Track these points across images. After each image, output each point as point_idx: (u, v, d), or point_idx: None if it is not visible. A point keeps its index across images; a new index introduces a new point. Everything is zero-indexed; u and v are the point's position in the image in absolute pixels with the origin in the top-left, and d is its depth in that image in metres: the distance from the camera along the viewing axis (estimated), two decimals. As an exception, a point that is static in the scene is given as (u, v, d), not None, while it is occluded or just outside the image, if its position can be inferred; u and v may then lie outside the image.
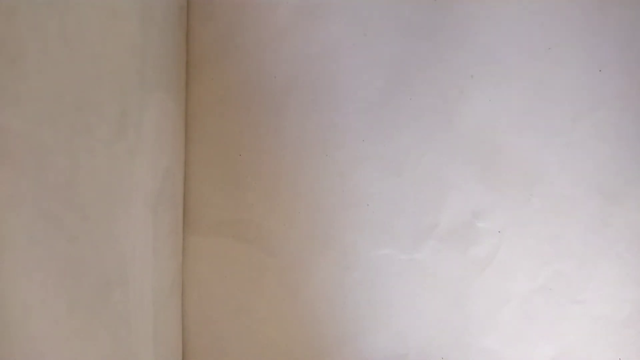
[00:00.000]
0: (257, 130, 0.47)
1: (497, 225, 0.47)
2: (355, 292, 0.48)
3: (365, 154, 0.47)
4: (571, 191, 0.46)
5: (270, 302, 0.48)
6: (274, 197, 0.48)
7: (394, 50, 0.46)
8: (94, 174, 0.33)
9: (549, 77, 0.45)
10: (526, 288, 0.47)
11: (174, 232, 0.47)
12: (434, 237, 0.47)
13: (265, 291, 0.48)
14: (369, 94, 0.47)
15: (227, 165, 0.48)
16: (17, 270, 0.27)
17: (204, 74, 0.48)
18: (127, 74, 0.37)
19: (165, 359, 0.45)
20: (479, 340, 0.47)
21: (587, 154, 0.45)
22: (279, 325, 0.49)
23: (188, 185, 0.49)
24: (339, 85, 0.47)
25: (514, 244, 0.47)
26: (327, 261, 0.48)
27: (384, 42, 0.46)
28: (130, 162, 0.38)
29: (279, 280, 0.48)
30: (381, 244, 0.47)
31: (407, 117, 0.46)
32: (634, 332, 0.46)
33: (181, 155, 0.48)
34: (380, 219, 0.47)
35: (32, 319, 0.28)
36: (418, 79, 0.46)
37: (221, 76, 0.47)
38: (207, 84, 0.48)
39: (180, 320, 0.49)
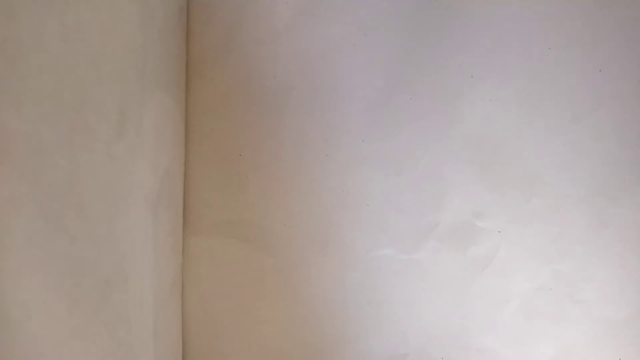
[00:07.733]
0: (257, 130, 0.47)
1: (497, 225, 0.47)
2: (355, 292, 0.48)
3: (365, 154, 0.47)
4: (571, 191, 0.46)
5: (270, 302, 0.48)
6: (274, 197, 0.48)
7: (394, 50, 0.46)
8: (94, 174, 0.33)
9: (549, 77, 0.45)
10: (526, 288, 0.47)
11: (174, 232, 0.47)
12: (434, 237, 0.47)
13: (265, 291, 0.48)
14: (369, 94, 0.47)
15: (227, 165, 0.48)
16: (17, 270, 0.27)
17: (204, 74, 0.48)
18: (127, 74, 0.37)
19: (165, 359, 0.45)
20: (479, 340, 0.47)
21: (587, 154, 0.45)
22: (279, 325, 0.48)
23: (188, 185, 0.49)
24: (339, 85, 0.47)
25: (514, 244, 0.47)
26: (327, 261, 0.48)
27: (384, 42, 0.46)
28: (130, 162, 0.38)
29: (279, 280, 0.48)
30: (381, 244, 0.47)
31: (407, 117, 0.46)
32: (634, 332, 0.46)
33: (181, 155, 0.48)
34: (380, 219, 0.47)
35: (32, 319, 0.28)
36: (418, 79, 0.46)
37: (221, 76, 0.47)
38: (207, 84, 0.48)
39: (180, 320, 0.49)
